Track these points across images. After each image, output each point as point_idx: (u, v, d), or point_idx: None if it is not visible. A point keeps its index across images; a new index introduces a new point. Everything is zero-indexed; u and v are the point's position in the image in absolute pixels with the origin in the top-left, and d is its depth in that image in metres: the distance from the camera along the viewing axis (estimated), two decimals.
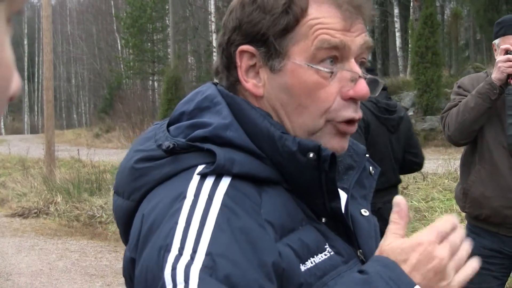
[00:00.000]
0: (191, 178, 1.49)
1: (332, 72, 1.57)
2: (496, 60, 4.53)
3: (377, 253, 1.52)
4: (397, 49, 41.76)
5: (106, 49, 70.27)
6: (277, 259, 1.41)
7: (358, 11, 1.60)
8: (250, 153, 1.54)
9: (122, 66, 61.11)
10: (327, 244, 1.58)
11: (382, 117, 5.72)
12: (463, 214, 5.13)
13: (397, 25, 40.54)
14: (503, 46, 4.49)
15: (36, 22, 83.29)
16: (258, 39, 1.59)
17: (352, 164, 1.81)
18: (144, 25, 52.72)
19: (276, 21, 1.56)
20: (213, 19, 44.46)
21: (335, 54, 1.57)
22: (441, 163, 15.74)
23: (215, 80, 1.77)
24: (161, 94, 41.93)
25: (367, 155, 1.87)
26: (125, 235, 1.65)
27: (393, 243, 1.51)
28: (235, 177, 1.49)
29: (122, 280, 1.64)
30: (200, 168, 1.50)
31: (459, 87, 4.92)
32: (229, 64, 1.65)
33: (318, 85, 1.57)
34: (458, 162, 16.23)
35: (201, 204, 1.43)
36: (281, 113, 1.61)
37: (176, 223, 1.40)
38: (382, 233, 1.64)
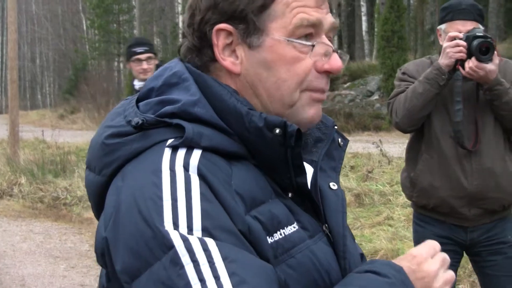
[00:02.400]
0: (162, 151, 1.52)
1: (313, 45, 1.63)
2: (444, 46, 4.52)
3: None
4: (363, 33, 41.95)
5: (72, 29, 69.60)
6: (245, 231, 1.46)
7: None
8: (217, 128, 1.57)
9: (87, 47, 60.62)
10: (293, 218, 1.61)
11: None
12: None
13: (363, 9, 40.71)
14: (452, 34, 4.47)
15: (0, 1, 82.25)
16: (236, 17, 1.61)
17: (320, 137, 1.84)
18: (110, 6, 52.28)
19: None
20: (179, 0, 44.31)
21: (311, 31, 1.63)
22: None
23: (180, 57, 1.78)
24: (126, 76, 41.67)
25: (336, 127, 1.90)
26: (97, 209, 1.68)
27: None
28: (204, 150, 1.52)
29: (87, 262, 1.64)
30: (169, 141, 1.53)
31: (403, 73, 4.88)
32: (202, 44, 1.66)
33: (296, 59, 1.63)
34: None
35: (180, 177, 1.46)
36: (259, 89, 1.65)
37: (161, 198, 1.43)
38: None
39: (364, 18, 41.05)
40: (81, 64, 57.94)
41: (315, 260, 1.60)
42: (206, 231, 1.39)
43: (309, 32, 1.63)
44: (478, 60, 4.36)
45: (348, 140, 1.93)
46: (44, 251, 10.43)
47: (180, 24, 43.29)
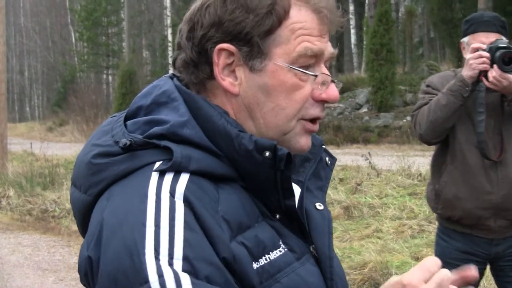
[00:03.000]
0: (150, 175, 1.50)
1: (315, 76, 1.62)
2: (467, 58, 4.44)
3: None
4: (352, 46, 42.05)
5: (60, 42, 69.53)
6: (229, 259, 1.45)
7: (332, 17, 1.65)
8: (207, 150, 1.55)
9: (76, 59, 60.60)
10: (281, 241, 1.61)
11: None
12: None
13: (352, 22, 40.80)
14: (474, 45, 4.41)
15: None
16: (240, 38, 1.59)
17: (308, 156, 1.82)
18: (98, 18, 52.36)
19: (260, 22, 1.58)
20: (168, 13, 44.40)
21: (313, 62, 1.63)
22: (395, 160, 15.86)
23: (171, 73, 1.77)
24: (115, 88, 41.70)
25: (324, 146, 1.89)
26: (82, 227, 1.66)
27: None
28: (193, 173, 1.50)
29: (76, 275, 1.65)
30: (157, 165, 1.51)
31: (427, 86, 4.81)
32: (200, 60, 1.63)
33: (296, 87, 1.62)
34: (411, 159, 16.40)
35: (165, 203, 1.45)
36: (256, 113, 1.63)
37: (144, 225, 1.42)
38: None
39: (353, 31, 41.15)
40: (69, 76, 57.91)
41: (301, 283, 1.59)
42: (186, 260, 1.38)
43: (311, 62, 1.63)
44: (502, 70, 4.32)
45: (335, 159, 1.91)
46: (32, 263, 10.38)
47: (169, 37, 43.36)
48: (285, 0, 1.60)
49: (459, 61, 31.01)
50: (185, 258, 1.38)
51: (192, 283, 1.36)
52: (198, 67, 1.64)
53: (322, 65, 1.66)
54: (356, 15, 42.41)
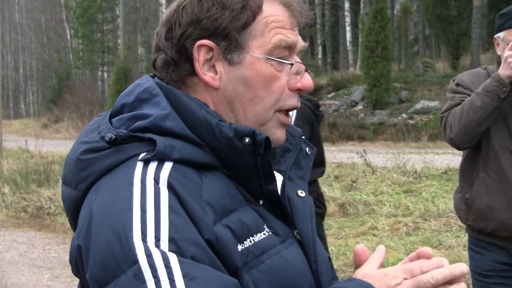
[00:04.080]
0: (135, 165, 1.57)
1: (292, 64, 1.71)
2: (505, 55, 4.02)
3: (356, 275, 1.64)
4: (347, 43, 42.10)
5: (55, 38, 69.55)
6: (212, 241, 1.50)
7: (302, 10, 1.76)
8: (189, 140, 1.62)
9: (71, 56, 60.54)
10: (265, 225, 1.67)
11: (318, 113, 5.94)
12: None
13: (348, 19, 40.84)
14: None
15: None
16: (218, 34, 1.67)
17: (288, 147, 1.90)
18: (94, 15, 52.33)
19: (236, 17, 1.67)
20: (163, 10, 44.30)
21: (287, 54, 1.72)
22: (390, 157, 15.88)
23: (152, 73, 1.84)
24: (110, 85, 41.67)
25: (303, 137, 1.96)
26: (74, 223, 1.70)
27: (366, 269, 1.66)
28: (176, 162, 1.57)
29: (70, 272, 1.66)
30: (142, 155, 1.57)
31: (457, 84, 4.40)
32: (180, 58, 1.71)
33: (273, 77, 1.71)
34: (406, 157, 16.44)
35: (150, 189, 1.51)
36: (236, 105, 1.71)
37: (131, 210, 1.48)
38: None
39: (348, 28, 41.19)
40: (64, 73, 57.90)
41: (286, 265, 1.65)
42: (173, 242, 1.44)
43: (285, 54, 1.72)
44: None
45: (315, 149, 1.98)
46: (27, 260, 10.38)
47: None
48: None
49: (455, 59, 31.09)
50: (171, 240, 1.44)
51: (180, 261, 1.41)
52: (178, 65, 1.72)
53: (295, 56, 1.75)
54: (352, 12, 42.46)
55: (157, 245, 1.43)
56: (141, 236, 1.44)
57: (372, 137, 24.99)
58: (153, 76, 1.79)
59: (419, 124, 24.77)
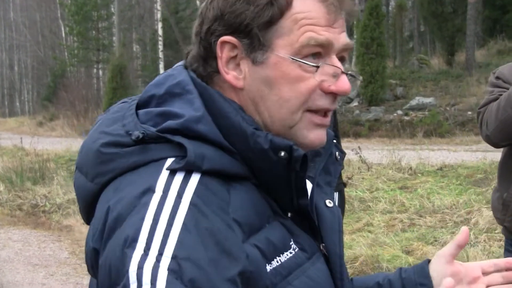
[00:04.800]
0: (160, 171, 1.47)
1: (317, 67, 1.56)
2: None
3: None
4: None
5: (50, 36, 69.37)
6: (245, 264, 1.41)
7: (341, 5, 1.59)
8: (220, 147, 1.52)
9: (66, 53, 60.41)
10: (292, 240, 1.59)
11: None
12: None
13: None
14: None
15: None
16: (241, 30, 1.56)
17: (319, 151, 1.78)
18: (89, 12, 52.10)
19: (260, 13, 1.54)
20: (158, 7, 44.29)
21: (319, 51, 1.57)
22: (386, 154, 15.90)
23: (185, 63, 1.72)
24: (106, 83, 41.57)
25: (335, 140, 1.85)
26: (86, 214, 1.64)
27: None
28: (204, 173, 1.47)
29: (66, 269, 1.64)
30: (169, 161, 1.48)
31: (497, 78, 4.12)
32: (207, 54, 1.61)
33: (300, 78, 1.56)
34: (402, 153, 16.47)
35: (170, 201, 1.41)
36: (260, 106, 1.59)
37: (143, 219, 1.39)
38: None
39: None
40: (59, 71, 57.76)
41: (312, 285, 1.57)
42: (175, 260, 1.34)
43: (316, 51, 1.56)
44: None
45: (345, 153, 1.89)
46: (23, 258, 10.37)
47: (160, 31, 43.27)
48: None
49: (450, 55, 31.12)
50: (174, 257, 1.34)
51: (167, 282, 1.32)
52: (206, 61, 1.62)
53: (333, 56, 1.59)
54: None
55: (158, 259, 1.33)
56: (145, 247, 1.35)
57: (367, 134, 25.00)
58: (186, 67, 1.68)
59: (414, 120, 24.78)
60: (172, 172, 1.45)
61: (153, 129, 1.51)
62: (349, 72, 1.64)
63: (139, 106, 1.62)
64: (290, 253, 1.55)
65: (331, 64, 1.58)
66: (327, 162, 1.81)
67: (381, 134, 24.69)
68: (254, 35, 1.55)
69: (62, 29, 64.12)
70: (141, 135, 1.50)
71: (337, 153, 1.85)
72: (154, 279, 1.31)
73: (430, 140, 21.32)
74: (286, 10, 1.54)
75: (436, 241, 9.54)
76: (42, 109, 53.24)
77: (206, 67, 1.62)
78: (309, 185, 1.72)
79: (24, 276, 9.33)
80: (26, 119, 53.10)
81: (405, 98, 27.74)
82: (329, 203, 1.78)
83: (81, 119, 36.09)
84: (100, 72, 55.29)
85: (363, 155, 14.68)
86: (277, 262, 1.51)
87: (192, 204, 1.41)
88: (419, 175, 14.11)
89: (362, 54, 27.32)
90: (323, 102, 1.60)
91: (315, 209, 1.72)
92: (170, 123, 1.51)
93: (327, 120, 1.64)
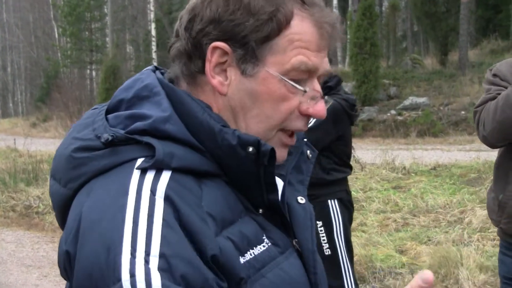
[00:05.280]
0: (131, 172, 1.48)
1: (305, 91, 1.60)
2: None
3: None
4: (341, 35, 42.08)
5: (43, 37, 69.33)
6: (217, 254, 1.43)
7: (333, 34, 1.62)
8: (189, 146, 1.54)
9: (59, 54, 60.35)
10: (264, 235, 1.61)
11: (351, 113, 5.88)
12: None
13: None
14: None
15: None
16: (237, 40, 1.55)
17: (290, 150, 1.78)
18: (82, 13, 52.09)
19: (260, 27, 1.54)
20: (152, 8, 44.30)
21: (305, 77, 1.60)
22: (379, 154, 15.93)
23: (154, 65, 1.75)
24: (99, 83, 41.57)
25: (305, 139, 1.87)
26: (61, 220, 1.65)
27: None
28: (175, 170, 1.49)
29: (59, 271, 1.63)
30: (139, 161, 1.50)
31: (494, 75, 3.96)
32: (194, 53, 1.61)
33: (284, 98, 1.58)
34: (395, 153, 16.50)
35: (145, 201, 1.43)
36: (239, 116, 1.61)
37: (123, 221, 1.40)
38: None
39: None
40: (53, 72, 57.69)
41: (286, 278, 1.59)
42: (163, 258, 1.36)
43: (303, 77, 1.59)
44: None
45: (317, 152, 1.91)
46: (16, 260, 10.35)
47: (153, 32, 43.30)
48: (288, 9, 1.57)
49: (443, 55, 31.15)
50: (161, 256, 1.36)
51: (162, 285, 1.34)
52: (191, 59, 1.62)
53: (315, 80, 1.63)
54: (340, 9, 42.45)
55: (147, 260, 1.35)
56: (131, 250, 1.36)
57: (361, 134, 25.00)
58: (154, 70, 1.70)
59: (408, 120, 24.82)
60: (143, 171, 1.47)
61: (122, 131, 1.53)
62: (326, 97, 1.68)
63: (109, 111, 1.63)
64: (263, 246, 1.57)
65: (314, 88, 1.62)
66: (299, 161, 1.84)
67: (374, 134, 24.72)
68: (250, 47, 1.56)
69: (55, 30, 64.05)
70: (110, 138, 1.51)
71: (308, 151, 1.87)
72: (149, 284, 1.33)
73: (424, 140, 21.38)
74: (284, 28, 1.56)
75: (429, 240, 9.55)
76: (35, 110, 53.19)
77: (189, 66, 1.63)
78: (280, 183, 1.75)
79: (17, 277, 9.32)
80: (20, 120, 53.01)
81: (398, 98, 27.77)
82: (301, 200, 1.81)
83: (75, 120, 35.82)
84: (94, 73, 55.30)
85: (357, 155, 14.65)
86: (251, 254, 1.53)
87: (166, 199, 1.43)
88: (413, 174, 14.13)
89: (356, 54, 27.35)
90: (298, 124, 1.64)
91: (287, 206, 1.74)
92: (138, 124, 1.53)
93: (293, 140, 1.70)
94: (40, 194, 14.89)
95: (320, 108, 1.63)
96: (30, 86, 76.32)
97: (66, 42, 58.56)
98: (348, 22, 31.82)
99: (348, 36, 28.39)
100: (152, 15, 44.27)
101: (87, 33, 53.89)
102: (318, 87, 1.63)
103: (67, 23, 52.46)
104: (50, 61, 60.48)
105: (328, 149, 5.71)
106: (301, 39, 1.56)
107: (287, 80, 1.57)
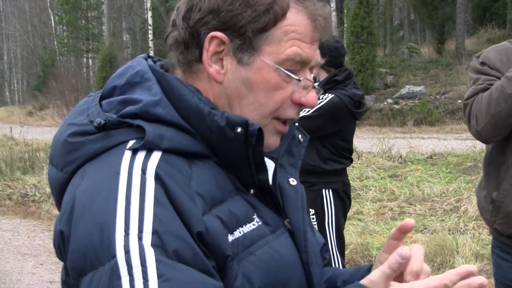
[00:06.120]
0: (122, 153, 1.54)
1: (299, 80, 1.66)
2: None
3: (363, 282, 1.57)
4: (333, 29, 42.08)
5: (39, 26, 69.16)
6: (202, 231, 1.48)
7: (326, 26, 1.69)
8: (179, 128, 1.59)
9: (56, 43, 60.23)
10: (255, 214, 1.65)
11: (356, 111, 5.87)
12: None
13: (333, 4, 40.68)
14: None
15: None
16: (235, 30, 1.62)
17: None
18: (78, 1, 51.95)
19: (257, 18, 1.61)
20: None
21: (299, 68, 1.66)
22: (375, 142, 15.94)
23: (146, 54, 1.81)
24: (96, 72, 41.55)
25: (297, 124, 1.92)
26: (59, 204, 1.68)
27: (374, 276, 1.55)
28: (165, 151, 1.54)
29: (56, 259, 1.65)
30: (130, 143, 1.54)
31: (482, 63, 3.69)
32: (191, 42, 1.66)
33: (278, 86, 1.66)
34: (392, 141, 16.53)
35: (136, 180, 1.48)
36: (235, 104, 1.67)
37: (116, 201, 1.45)
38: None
39: (333, 14, 41.14)
40: (49, 60, 57.67)
41: (276, 256, 1.64)
42: (156, 234, 1.41)
43: (297, 68, 1.66)
44: None
45: (308, 136, 1.95)
46: (12, 248, 10.37)
47: (150, 21, 43.19)
48: (285, 1, 1.63)
49: (440, 44, 31.13)
50: (154, 232, 1.41)
51: (156, 260, 1.39)
52: (188, 48, 1.67)
53: (307, 71, 1.69)
54: None
55: (140, 237, 1.40)
56: (124, 227, 1.41)
57: (357, 122, 25.03)
58: (146, 58, 1.76)
59: (404, 109, 24.82)
60: (134, 152, 1.52)
61: (114, 116, 1.58)
62: (317, 87, 1.74)
63: (103, 98, 1.69)
64: (253, 225, 1.62)
65: (306, 78, 1.68)
66: (290, 145, 1.90)
67: (371, 122, 24.70)
68: (247, 37, 1.62)
69: (52, 18, 63.86)
70: (102, 122, 1.56)
71: (300, 135, 1.92)
72: (143, 260, 1.38)
73: (420, 129, 21.38)
74: (280, 20, 1.63)
75: (425, 229, 9.57)
76: (32, 99, 53.12)
77: (186, 54, 1.68)
78: (272, 165, 1.81)
79: (13, 266, 9.34)
80: (16, 109, 52.97)
81: (395, 87, 27.75)
82: (292, 181, 1.85)
83: (71, 109, 35.79)
84: (90, 61, 55.24)
85: (354, 143, 14.70)
86: (240, 232, 1.57)
87: (157, 178, 1.47)
88: (409, 163, 14.15)
89: (352, 43, 27.30)
90: (291, 112, 1.71)
91: (278, 187, 1.78)
92: (129, 108, 1.59)
93: (286, 128, 1.76)
94: (36, 183, 14.89)
95: (312, 97, 1.71)
96: (26, 75, 76.21)
97: (63, 31, 58.39)
98: (345, 11, 31.81)
99: (345, 25, 28.39)
100: (148, 4, 44.09)
101: (83, 21, 53.75)
102: (310, 77, 1.69)
103: (64, 12, 52.29)
104: (47, 50, 60.45)
105: (326, 140, 5.72)
106: (296, 31, 1.64)
107: (282, 69, 1.63)
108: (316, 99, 1.72)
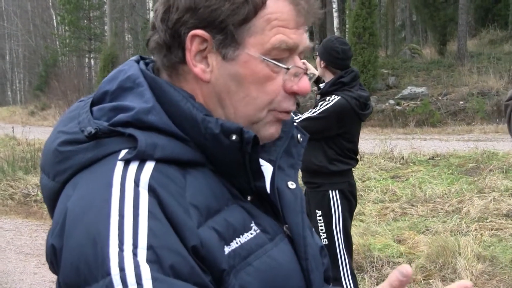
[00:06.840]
0: (115, 164, 1.49)
1: (288, 69, 1.60)
2: None
3: None
4: (335, 30, 41.99)
5: (42, 25, 69.24)
6: (197, 245, 1.43)
7: (310, 9, 1.62)
8: (173, 136, 1.54)
9: (58, 43, 60.31)
10: (253, 222, 1.61)
11: (361, 113, 5.89)
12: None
13: (335, 5, 40.78)
14: None
15: None
16: (215, 26, 1.56)
17: (280, 134, 1.79)
18: (80, 1, 52.03)
19: (236, 10, 1.54)
20: None
21: (287, 56, 1.61)
22: (378, 143, 15.93)
23: (137, 56, 1.76)
24: (97, 72, 41.55)
25: (295, 123, 1.88)
26: (52, 213, 1.63)
27: None
28: (158, 161, 1.49)
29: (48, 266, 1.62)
30: (122, 153, 1.50)
31: None
32: (173, 44, 1.61)
33: (267, 78, 1.59)
34: (394, 142, 16.51)
35: (129, 192, 1.43)
36: (226, 101, 1.61)
37: (109, 214, 1.40)
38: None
39: (335, 15, 41.13)
40: (51, 60, 57.67)
41: (274, 265, 1.60)
42: (151, 250, 1.36)
43: (284, 56, 1.60)
44: None
45: (308, 136, 1.91)
46: (14, 248, 10.37)
47: (151, 21, 43.26)
48: None
49: (442, 45, 31.12)
50: (149, 248, 1.36)
51: (152, 278, 1.34)
52: (171, 50, 1.62)
53: (296, 57, 1.64)
54: None
55: (135, 253, 1.35)
56: (118, 243, 1.36)
57: None
58: (137, 61, 1.70)
59: (406, 110, 24.82)
60: (126, 162, 1.47)
61: (106, 124, 1.53)
62: (308, 72, 1.68)
63: (94, 103, 1.64)
64: (251, 234, 1.57)
65: (296, 65, 1.62)
66: (289, 145, 1.84)
67: (373, 123, 24.69)
68: (229, 32, 1.56)
69: (54, 18, 63.95)
70: (93, 131, 1.51)
71: (298, 135, 1.87)
72: (139, 278, 1.33)
73: (422, 130, 21.37)
74: (260, 9, 1.56)
75: (427, 230, 9.57)
76: (33, 99, 53.14)
77: (170, 57, 1.62)
78: (270, 169, 1.76)
79: (15, 265, 9.33)
80: (18, 109, 53.00)
81: (397, 88, 27.75)
82: (291, 184, 1.80)
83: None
84: (92, 61, 55.34)
85: None
86: (237, 243, 1.53)
87: (150, 190, 1.43)
88: (411, 164, 14.14)
89: (354, 44, 27.30)
90: (286, 104, 1.65)
91: (276, 191, 1.74)
92: (121, 116, 1.53)
93: (289, 115, 1.71)
94: (38, 183, 14.82)
95: (304, 84, 1.65)
96: (28, 75, 76.27)
97: (65, 31, 58.44)
98: (347, 12, 31.82)
99: (347, 26, 28.38)
100: (150, 4, 44.18)
101: (85, 21, 53.86)
102: (300, 63, 1.64)
103: (66, 11, 52.37)
104: (49, 50, 60.46)
105: (332, 141, 5.73)
106: (278, 18, 1.57)
107: (269, 59, 1.57)
108: (309, 85, 1.67)
